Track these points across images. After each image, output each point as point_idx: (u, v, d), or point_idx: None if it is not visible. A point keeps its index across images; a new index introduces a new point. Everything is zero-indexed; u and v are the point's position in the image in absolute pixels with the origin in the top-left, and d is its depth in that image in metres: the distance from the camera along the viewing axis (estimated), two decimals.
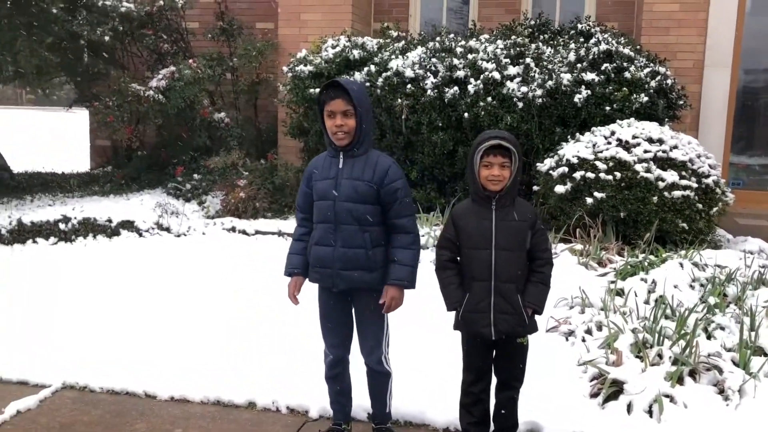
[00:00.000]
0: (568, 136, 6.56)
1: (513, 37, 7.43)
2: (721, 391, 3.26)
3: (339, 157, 2.90)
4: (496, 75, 6.87)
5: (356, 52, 7.51)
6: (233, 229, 7.02)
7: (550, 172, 6.23)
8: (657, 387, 3.23)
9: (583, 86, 6.65)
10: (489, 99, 6.81)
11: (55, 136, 13.88)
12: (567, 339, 3.99)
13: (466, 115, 6.85)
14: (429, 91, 6.95)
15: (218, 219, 7.30)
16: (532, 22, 8.00)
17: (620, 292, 4.61)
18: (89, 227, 6.82)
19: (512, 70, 6.95)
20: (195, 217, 7.46)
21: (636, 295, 4.51)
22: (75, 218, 6.85)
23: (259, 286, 5.13)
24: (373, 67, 7.29)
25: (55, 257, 6.31)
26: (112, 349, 4.08)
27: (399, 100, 7.06)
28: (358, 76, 7.27)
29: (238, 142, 8.28)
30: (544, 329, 4.12)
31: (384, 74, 7.18)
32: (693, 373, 3.37)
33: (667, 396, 3.19)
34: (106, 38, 7.52)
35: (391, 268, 2.86)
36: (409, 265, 2.85)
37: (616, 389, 3.30)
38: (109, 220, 6.90)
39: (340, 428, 3.04)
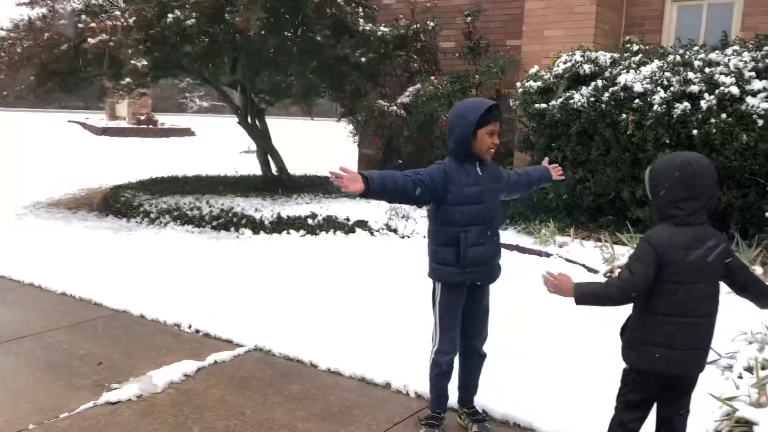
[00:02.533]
0: None
1: (766, 48, 6.75)
2: None
3: (476, 165, 3.17)
4: (734, 90, 6.34)
5: (587, 67, 7.46)
6: None
7: None
8: None
9: None
10: (723, 116, 6.31)
11: (334, 145, 15.78)
12: (723, 373, 3.71)
13: (695, 132, 6.44)
14: (656, 107, 6.66)
15: None
16: None
17: None
18: (331, 224, 7.84)
19: (757, 85, 6.36)
20: (423, 222, 8.09)
21: None
22: (321, 215, 7.93)
23: None
24: (600, 82, 7.19)
25: (300, 247, 7.40)
26: (302, 323, 4.82)
27: (624, 115, 6.88)
28: (584, 90, 7.24)
29: None
30: None
31: (611, 89, 7.05)
32: None
33: None
34: (363, 59, 8.50)
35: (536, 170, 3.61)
36: None
37: (745, 429, 3.06)
38: (347, 219, 7.85)
39: (440, 416, 3.31)
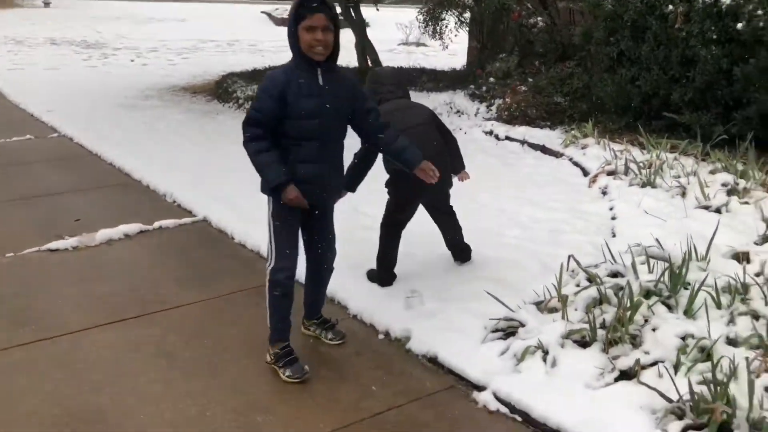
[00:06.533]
0: None
1: None
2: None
3: (317, 73, 2.82)
4: None
5: None
6: (490, 133, 7.40)
7: None
8: (551, 338, 2.91)
9: None
10: None
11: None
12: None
13: (739, 26, 5.64)
14: None
15: (490, 122, 7.75)
16: None
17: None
18: None
19: None
20: (476, 119, 8.02)
21: None
22: None
23: None
24: None
25: None
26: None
27: (671, 7, 6.18)
28: None
29: (543, 46, 8.33)
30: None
31: None
32: (613, 343, 2.86)
33: (544, 350, 2.86)
34: None
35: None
36: None
37: (515, 328, 3.07)
38: None
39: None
